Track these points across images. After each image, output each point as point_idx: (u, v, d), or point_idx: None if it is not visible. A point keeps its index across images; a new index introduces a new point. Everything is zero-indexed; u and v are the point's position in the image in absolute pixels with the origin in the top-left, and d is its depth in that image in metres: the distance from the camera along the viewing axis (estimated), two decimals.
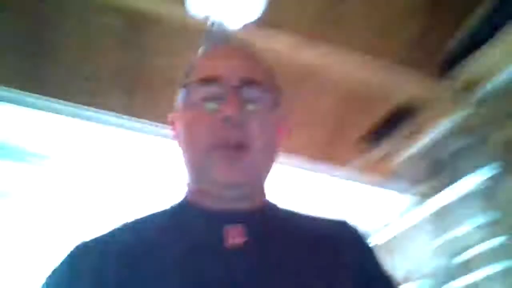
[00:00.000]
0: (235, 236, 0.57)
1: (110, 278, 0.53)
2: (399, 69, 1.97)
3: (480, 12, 1.90)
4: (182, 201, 0.65)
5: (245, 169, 0.58)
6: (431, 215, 2.09)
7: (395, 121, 2.29)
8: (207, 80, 0.59)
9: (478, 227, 1.78)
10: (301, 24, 1.84)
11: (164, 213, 0.64)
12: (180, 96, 0.64)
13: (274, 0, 1.67)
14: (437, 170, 2.12)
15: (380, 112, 2.30)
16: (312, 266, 0.57)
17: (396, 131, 2.32)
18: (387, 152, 2.43)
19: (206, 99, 0.59)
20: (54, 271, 0.57)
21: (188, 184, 0.64)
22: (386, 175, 2.43)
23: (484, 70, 1.89)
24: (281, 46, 1.79)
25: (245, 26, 1.64)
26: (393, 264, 2.15)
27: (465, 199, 1.92)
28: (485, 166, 1.78)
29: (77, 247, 0.58)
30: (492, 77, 1.88)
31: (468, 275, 1.74)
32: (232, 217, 0.59)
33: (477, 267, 1.72)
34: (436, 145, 2.23)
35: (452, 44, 2.02)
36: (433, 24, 2.01)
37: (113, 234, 0.60)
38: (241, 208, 0.60)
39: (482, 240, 1.75)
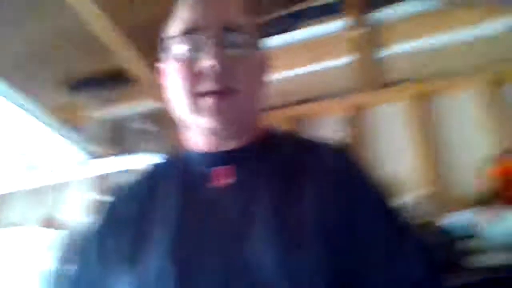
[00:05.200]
0: (222, 177, 0.61)
1: (131, 220, 0.62)
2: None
3: None
4: (179, 148, 0.70)
5: (231, 113, 0.60)
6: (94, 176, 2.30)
7: (110, 80, 2.36)
8: (187, 32, 0.60)
9: None
10: None
11: (167, 160, 0.72)
12: (163, 48, 0.65)
13: None
14: (118, 139, 2.33)
15: (101, 64, 2.33)
16: (295, 202, 0.58)
17: (106, 89, 2.40)
18: (87, 103, 2.49)
19: (188, 49, 0.60)
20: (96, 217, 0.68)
21: (182, 131, 0.68)
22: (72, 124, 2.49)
23: None
24: None
25: None
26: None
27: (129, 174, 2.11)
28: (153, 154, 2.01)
29: (113, 195, 0.70)
30: None
31: None
32: (221, 159, 0.63)
33: None
34: (129, 118, 2.48)
35: None
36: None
37: (133, 183, 0.70)
38: (229, 149, 0.63)
39: None
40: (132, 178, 0.71)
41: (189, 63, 0.60)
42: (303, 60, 1.99)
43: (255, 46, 0.64)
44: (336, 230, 0.55)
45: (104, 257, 0.62)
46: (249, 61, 0.62)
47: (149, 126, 2.43)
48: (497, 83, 1.84)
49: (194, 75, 0.59)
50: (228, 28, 0.60)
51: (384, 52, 1.94)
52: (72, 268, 0.66)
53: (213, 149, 0.63)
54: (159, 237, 0.58)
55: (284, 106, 2.15)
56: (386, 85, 2.04)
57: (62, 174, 2.21)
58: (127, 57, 2.09)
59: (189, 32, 0.60)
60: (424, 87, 1.95)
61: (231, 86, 0.59)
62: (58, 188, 2.57)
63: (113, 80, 2.37)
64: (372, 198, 0.62)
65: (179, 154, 0.70)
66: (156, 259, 0.56)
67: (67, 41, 2.30)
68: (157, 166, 0.72)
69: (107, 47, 2.05)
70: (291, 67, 2.00)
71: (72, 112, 2.59)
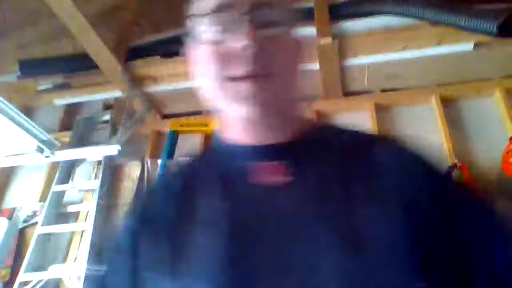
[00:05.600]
0: (271, 174, 0.54)
1: (164, 219, 0.57)
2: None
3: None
4: (222, 139, 0.62)
5: (269, 99, 0.53)
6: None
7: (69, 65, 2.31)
8: (217, 10, 0.53)
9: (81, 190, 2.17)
10: None
11: (203, 155, 0.67)
12: (191, 29, 0.57)
13: None
14: (75, 128, 2.33)
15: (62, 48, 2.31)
16: (353, 202, 0.52)
17: (64, 73, 2.35)
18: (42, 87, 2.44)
19: (218, 29, 0.53)
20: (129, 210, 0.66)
21: (220, 120, 0.61)
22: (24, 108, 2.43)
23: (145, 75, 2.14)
24: None
25: None
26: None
27: (84, 165, 2.25)
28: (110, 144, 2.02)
29: (148, 191, 0.70)
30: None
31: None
32: (267, 153, 0.57)
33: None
34: (91, 106, 2.49)
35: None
36: None
37: (166, 180, 0.67)
38: (275, 143, 0.57)
39: (81, 200, 2.15)
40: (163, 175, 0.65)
41: (220, 45, 0.53)
42: None
43: (291, 26, 0.57)
44: (425, 230, 0.51)
45: (138, 263, 0.56)
46: (286, 42, 0.56)
47: (109, 116, 2.34)
48: (453, 99, 2.00)
49: (225, 58, 0.52)
50: (263, 5, 0.53)
51: (349, 62, 2.01)
52: (102, 270, 0.62)
53: (255, 141, 0.57)
54: (204, 243, 0.52)
55: None
56: (349, 94, 2.15)
57: (12, 161, 2.07)
58: (90, 44, 2.00)
59: (219, 9, 0.53)
60: (386, 98, 2.08)
61: (267, 69, 0.52)
62: (7, 175, 2.42)
63: (73, 66, 2.26)
64: (462, 196, 0.58)
65: (217, 147, 0.63)
66: (203, 268, 0.51)
67: (27, 18, 2.16)
68: (193, 162, 0.66)
69: (70, 31, 1.95)
70: None
71: (24, 95, 2.44)
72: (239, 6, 0.52)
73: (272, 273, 0.49)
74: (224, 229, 0.52)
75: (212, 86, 0.55)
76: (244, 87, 0.52)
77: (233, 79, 0.53)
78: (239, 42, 0.51)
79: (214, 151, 0.65)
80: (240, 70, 0.52)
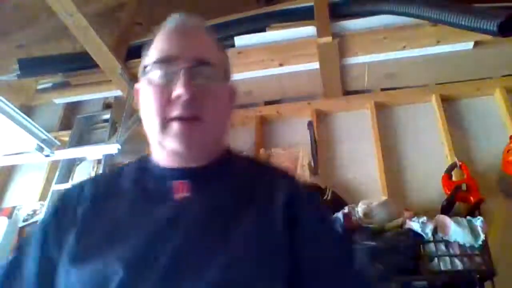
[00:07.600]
0: (181, 190, 0.66)
1: (81, 217, 0.67)
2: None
3: None
4: (148, 158, 0.75)
5: (195, 138, 0.65)
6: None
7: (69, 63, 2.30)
8: (162, 61, 0.66)
9: None
10: None
11: (134, 166, 0.76)
12: (140, 72, 0.71)
13: None
14: (75, 127, 2.30)
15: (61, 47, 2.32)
16: (243, 217, 0.63)
17: (64, 72, 2.33)
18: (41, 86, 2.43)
19: (161, 76, 0.66)
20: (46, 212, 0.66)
21: (151, 145, 0.72)
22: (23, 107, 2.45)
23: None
24: None
25: None
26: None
27: (83, 164, 2.21)
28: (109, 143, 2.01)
29: (63, 193, 0.74)
30: None
31: None
32: (181, 174, 0.68)
33: None
34: (91, 105, 2.48)
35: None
36: None
37: (90, 181, 0.74)
38: (190, 167, 0.69)
39: None
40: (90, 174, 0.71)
41: (162, 89, 0.65)
42: (273, 62, 2.02)
43: (223, 79, 0.71)
44: (274, 249, 0.61)
45: (46, 251, 0.65)
46: (217, 93, 0.68)
47: (109, 115, 2.34)
48: (453, 97, 2.01)
49: (165, 101, 0.64)
50: (199, 61, 0.66)
51: (349, 61, 2.02)
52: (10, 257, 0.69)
53: (174, 166, 0.70)
54: (109, 240, 0.62)
55: (253, 105, 2.20)
56: (349, 93, 2.15)
57: (12, 160, 2.07)
58: (90, 43, 2.00)
59: (163, 61, 0.66)
60: (386, 97, 2.08)
61: (197, 115, 0.64)
62: (7, 174, 2.42)
63: (73, 65, 2.26)
64: (320, 223, 0.70)
65: (146, 162, 0.74)
66: (104, 261, 0.59)
67: (27, 18, 2.16)
68: (121, 169, 0.77)
69: (69, 30, 1.95)
70: (261, 67, 2.03)
71: (24, 94, 2.44)
72: (180, 60, 0.65)
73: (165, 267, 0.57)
74: (126, 235, 0.62)
75: (151, 119, 0.66)
76: (175, 126, 0.64)
77: (168, 119, 0.64)
78: (175, 90, 0.63)
79: (141, 167, 0.75)
80: (174, 112, 0.64)
